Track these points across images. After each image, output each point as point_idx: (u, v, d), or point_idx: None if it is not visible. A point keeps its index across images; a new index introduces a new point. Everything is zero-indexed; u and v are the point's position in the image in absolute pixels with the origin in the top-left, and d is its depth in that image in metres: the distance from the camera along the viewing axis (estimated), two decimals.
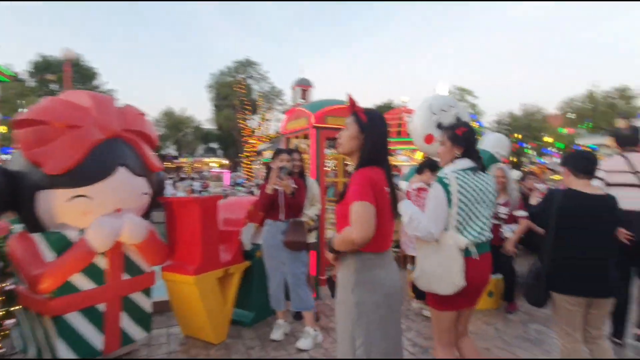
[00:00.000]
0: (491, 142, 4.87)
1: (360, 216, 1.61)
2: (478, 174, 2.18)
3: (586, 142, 24.98)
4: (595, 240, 2.31)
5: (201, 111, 76.73)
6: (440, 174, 2.19)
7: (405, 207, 2.08)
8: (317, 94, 35.25)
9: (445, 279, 2.04)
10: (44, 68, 30.09)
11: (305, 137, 5.00)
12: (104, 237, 2.73)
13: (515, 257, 4.40)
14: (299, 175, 3.66)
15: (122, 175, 2.88)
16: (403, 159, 15.47)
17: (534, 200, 4.68)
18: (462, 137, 2.19)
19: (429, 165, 4.19)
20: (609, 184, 3.40)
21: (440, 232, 2.07)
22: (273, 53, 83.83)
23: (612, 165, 3.45)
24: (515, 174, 8.52)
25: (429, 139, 4.60)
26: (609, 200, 2.40)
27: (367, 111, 1.85)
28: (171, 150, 40.85)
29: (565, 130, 27.74)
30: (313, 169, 4.62)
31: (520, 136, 28.92)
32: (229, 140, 38.55)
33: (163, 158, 30.81)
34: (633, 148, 3.48)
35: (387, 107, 34.74)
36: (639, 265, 3.36)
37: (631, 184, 3.31)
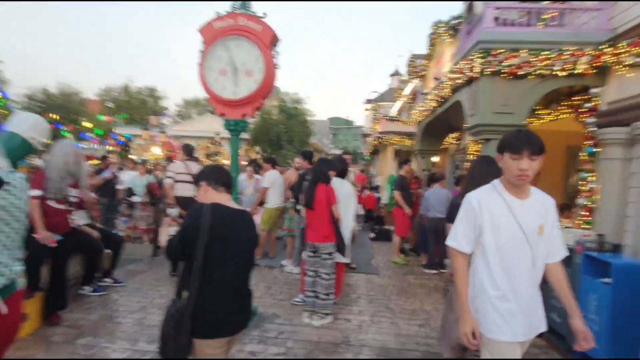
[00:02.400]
0: (25, 125, 3.82)
1: None
2: None
3: (123, 131, 26.76)
4: (240, 262, 2.05)
5: None
6: None
7: None
8: None
9: None
10: None
11: None
12: None
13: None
14: None
15: None
16: None
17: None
18: None
19: None
20: (176, 180, 5.64)
21: None
22: None
23: (177, 167, 5.77)
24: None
25: None
26: (248, 216, 2.18)
27: None
28: None
29: (104, 118, 28.21)
30: None
31: (57, 117, 26.42)
32: None
33: None
34: (189, 158, 5.95)
35: None
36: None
37: (187, 181, 5.55)
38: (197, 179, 2.18)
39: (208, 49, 3.88)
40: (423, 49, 8.05)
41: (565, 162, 8.32)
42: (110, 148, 25.78)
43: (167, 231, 2.22)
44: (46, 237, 3.54)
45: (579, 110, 4.98)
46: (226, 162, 23.28)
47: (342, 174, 4.67)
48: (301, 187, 5.34)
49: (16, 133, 3.88)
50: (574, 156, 7.71)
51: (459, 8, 9.70)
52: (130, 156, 24.32)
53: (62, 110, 28.00)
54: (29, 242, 3.55)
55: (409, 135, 14.38)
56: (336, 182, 4.48)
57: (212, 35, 3.88)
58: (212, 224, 1.92)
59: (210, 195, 2.09)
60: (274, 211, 6.54)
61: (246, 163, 7.94)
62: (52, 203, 3.63)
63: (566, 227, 4.93)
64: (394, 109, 20.98)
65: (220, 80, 3.89)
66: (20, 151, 3.91)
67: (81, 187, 3.91)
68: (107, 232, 4.92)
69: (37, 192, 3.55)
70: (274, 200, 6.49)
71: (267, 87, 3.88)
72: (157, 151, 14.01)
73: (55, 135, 25.55)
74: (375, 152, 20.47)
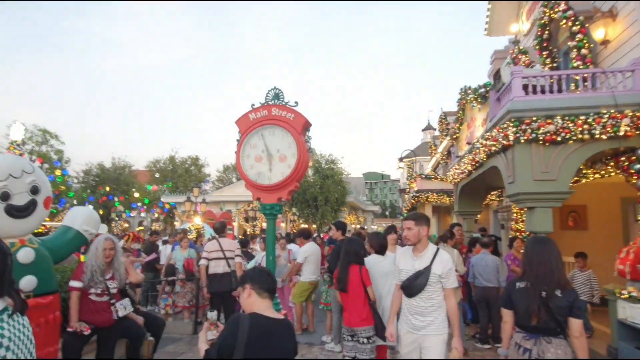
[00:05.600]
0: (78, 219, 4.12)
1: None
2: (14, 317, 1.43)
3: (168, 199, 28.15)
4: None
5: None
6: None
7: None
8: None
9: None
10: None
11: None
12: None
13: None
14: None
15: None
16: None
17: None
18: None
19: None
20: (209, 259, 5.75)
21: None
22: None
23: (210, 247, 5.91)
24: (103, 228, 7.96)
25: None
26: (288, 325, 2.16)
27: None
28: None
29: (151, 187, 29.95)
30: None
31: (109, 188, 28.38)
32: None
33: None
34: (222, 235, 6.06)
35: None
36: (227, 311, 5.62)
37: (220, 257, 5.76)
38: (242, 280, 2.21)
39: (244, 139, 4.12)
40: (454, 104, 8.08)
41: (621, 214, 7.78)
42: (157, 216, 27.03)
43: (206, 337, 2.19)
44: (78, 327, 3.62)
45: (629, 171, 4.70)
46: (265, 224, 23.66)
47: (381, 250, 4.54)
48: (337, 260, 5.24)
49: (70, 227, 4.19)
50: (629, 207, 7.25)
51: (486, 71, 9.85)
52: (174, 223, 25.33)
53: (115, 182, 30.11)
54: (67, 336, 3.67)
55: (448, 193, 14.05)
56: (374, 260, 4.37)
57: (247, 125, 4.13)
58: (250, 338, 1.92)
59: (252, 300, 2.10)
60: (307, 285, 6.42)
61: (280, 235, 7.99)
62: (93, 297, 3.76)
63: (631, 297, 4.44)
64: (429, 165, 20.83)
65: (256, 166, 4.06)
66: (74, 244, 4.19)
67: (119, 279, 4.02)
68: (150, 315, 4.99)
69: (75, 284, 3.73)
70: (308, 274, 6.40)
71: (300, 171, 4.00)
72: (198, 221, 14.51)
73: (107, 206, 27.31)
74: (413, 208, 20.07)
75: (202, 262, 5.87)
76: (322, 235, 12.35)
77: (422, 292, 3.06)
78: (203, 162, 37.38)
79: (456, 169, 7.89)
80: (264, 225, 23.72)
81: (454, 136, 8.28)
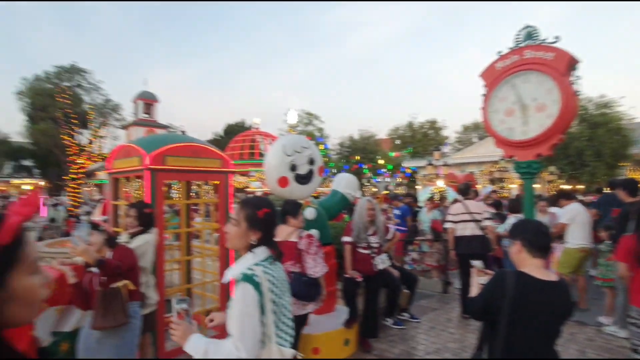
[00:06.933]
0: (342, 184, 4.90)
1: None
2: (275, 263, 1.78)
3: (409, 164, 29.49)
4: (548, 333, 1.96)
5: (9, 122, 63.66)
6: (243, 268, 1.66)
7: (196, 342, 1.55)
8: (163, 110, 32.22)
9: None
10: None
11: (138, 178, 4.12)
12: None
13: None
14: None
15: None
16: (256, 185, 15.13)
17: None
18: (263, 219, 1.75)
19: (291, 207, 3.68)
20: (455, 222, 5.58)
21: (254, 355, 1.55)
22: (109, 61, 75.56)
23: (455, 209, 5.71)
24: (359, 193, 9.20)
25: (283, 181, 4.34)
26: (562, 287, 1.99)
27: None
28: None
29: (393, 154, 32.06)
30: None
31: (359, 157, 32.23)
32: (48, 158, 31.92)
33: None
34: (467, 197, 5.89)
35: (240, 127, 34.30)
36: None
37: (466, 220, 5.51)
38: (512, 233, 2.10)
39: (491, 92, 3.74)
40: None
41: None
42: (399, 180, 28.86)
43: (477, 281, 2.17)
44: (353, 274, 4.31)
45: None
46: (513, 186, 21.38)
47: None
48: (624, 227, 4.25)
49: (337, 190, 4.98)
50: None
51: None
52: (416, 187, 26.44)
53: (363, 151, 33.87)
54: (345, 281, 4.43)
55: None
56: None
57: (494, 77, 3.72)
58: (515, 296, 1.86)
59: (522, 258, 1.98)
60: (576, 252, 5.41)
61: (539, 198, 7.02)
62: (360, 249, 4.38)
63: None
64: None
65: (507, 121, 3.64)
66: (341, 204, 4.98)
67: (380, 235, 4.50)
68: (404, 271, 5.44)
69: (347, 239, 4.40)
70: (577, 239, 5.39)
71: (565, 120, 3.33)
72: (440, 184, 14.55)
73: (358, 173, 31.18)
74: None
75: (449, 225, 5.80)
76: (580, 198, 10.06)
77: None
78: (441, 124, 36.98)
79: None
80: (512, 187, 21.43)
81: None
